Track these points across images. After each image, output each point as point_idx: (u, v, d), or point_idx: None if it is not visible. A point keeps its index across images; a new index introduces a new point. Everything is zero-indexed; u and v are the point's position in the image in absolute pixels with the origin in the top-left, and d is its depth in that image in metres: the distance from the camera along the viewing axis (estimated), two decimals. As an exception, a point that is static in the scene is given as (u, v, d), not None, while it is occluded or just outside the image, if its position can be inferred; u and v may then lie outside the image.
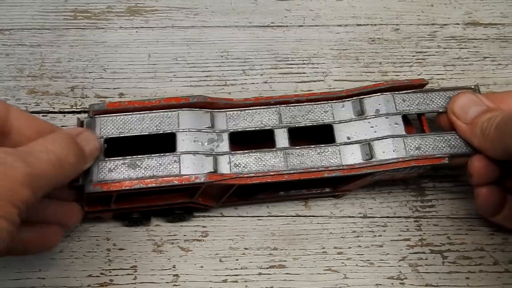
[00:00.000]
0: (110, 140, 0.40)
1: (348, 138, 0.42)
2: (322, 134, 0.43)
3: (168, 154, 0.40)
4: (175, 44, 0.54)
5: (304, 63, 0.53)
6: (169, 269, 0.44)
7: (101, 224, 0.45)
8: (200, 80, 0.52)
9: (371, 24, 0.56)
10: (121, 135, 0.40)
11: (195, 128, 0.41)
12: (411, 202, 0.47)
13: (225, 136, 0.41)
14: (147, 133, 0.41)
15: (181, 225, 0.46)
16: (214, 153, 0.41)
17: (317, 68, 0.53)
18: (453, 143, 0.42)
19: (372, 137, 0.42)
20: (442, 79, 0.52)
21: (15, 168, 0.30)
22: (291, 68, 0.53)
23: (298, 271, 0.44)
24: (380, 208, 0.47)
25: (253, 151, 0.41)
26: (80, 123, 0.41)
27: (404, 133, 0.42)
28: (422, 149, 0.42)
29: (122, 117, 0.41)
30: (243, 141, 0.43)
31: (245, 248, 0.45)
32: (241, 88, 0.52)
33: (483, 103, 0.42)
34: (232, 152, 0.41)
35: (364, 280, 0.44)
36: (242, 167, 0.40)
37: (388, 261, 0.45)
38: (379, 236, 0.46)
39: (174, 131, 0.41)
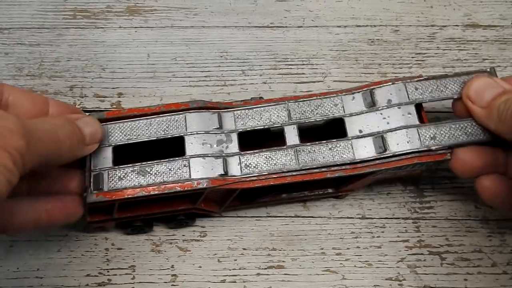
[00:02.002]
0: (118, 147, 0.40)
1: (360, 131, 0.41)
2: (332, 130, 0.42)
3: (177, 158, 0.39)
4: (174, 44, 0.54)
5: (303, 64, 0.53)
6: (168, 269, 0.44)
7: (99, 224, 0.45)
8: (199, 80, 0.52)
9: (371, 25, 0.56)
10: (129, 142, 0.40)
11: (203, 130, 0.40)
12: (410, 203, 0.47)
13: (234, 137, 0.40)
14: (155, 138, 0.40)
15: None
16: (223, 154, 0.40)
17: (316, 69, 0.53)
18: (469, 130, 0.40)
19: (385, 128, 0.41)
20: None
21: (6, 117, 0.30)
22: (291, 68, 0.53)
23: (296, 272, 0.44)
24: (378, 209, 0.47)
25: (263, 150, 0.40)
26: None
27: (417, 122, 0.41)
28: (438, 139, 0.40)
29: (129, 123, 0.40)
30: (252, 139, 0.42)
31: (244, 249, 0.45)
32: (240, 89, 0.52)
33: (500, 85, 0.40)
34: (242, 153, 0.40)
35: (363, 281, 0.44)
36: (253, 167, 0.39)
37: (386, 262, 0.45)
38: (377, 237, 0.46)
39: (182, 134, 0.40)
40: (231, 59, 0.53)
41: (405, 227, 0.46)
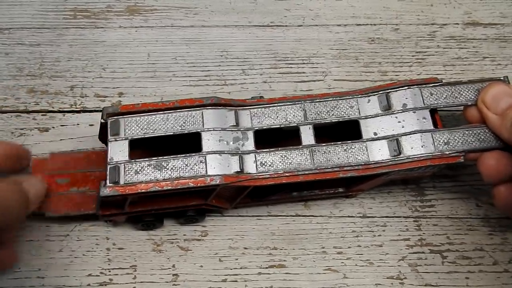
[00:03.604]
0: (134, 141, 0.40)
1: (375, 133, 0.41)
2: (347, 130, 0.43)
3: (193, 154, 0.39)
4: (175, 43, 0.54)
5: (303, 63, 0.53)
6: (169, 268, 0.44)
7: (100, 224, 0.45)
8: (199, 80, 0.52)
9: (371, 24, 0.56)
10: (145, 136, 0.40)
11: (220, 127, 0.40)
12: (411, 202, 0.47)
13: (250, 134, 0.41)
14: (171, 133, 0.40)
15: (181, 225, 0.46)
16: (239, 152, 0.40)
17: (316, 68, 0.53)
18: (482, 137, 0.41)
19: (399, 132, 0.41)
20: (442, 79, 0.52)
21: None
22: (291, 68, 0.53)
23: (297, 271, 0.44)
24: (379, 208, 0.47)
25: (279, 149, 0.40)
26: (104, 124, 0.41)
27: (432, 127, 0.41)
28: (451, 144, 0.41)
29: (146, 117, 0.40)
30: (268, 137, 0.42)
31: (245, 248, 0.45)
32: (241, 88, 0.52)
33: None
34: (258, 151, 0.40)
35: (364, 280, 0.44)
36: (268, 165, 0.40)
37: (387, 261, 0.45)
38: (378, 236, 0.46)
39: (199, 130, 0.40)
40: (231, 58, 0.53)
41: (406, 226, 0.46)
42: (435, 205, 0.47)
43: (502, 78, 0.43)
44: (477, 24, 0.56)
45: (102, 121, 0.41)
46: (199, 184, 0.38)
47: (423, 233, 0.46)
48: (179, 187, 0.38)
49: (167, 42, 0.54)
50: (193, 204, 0.42)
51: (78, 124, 0.50)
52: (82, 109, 0.50)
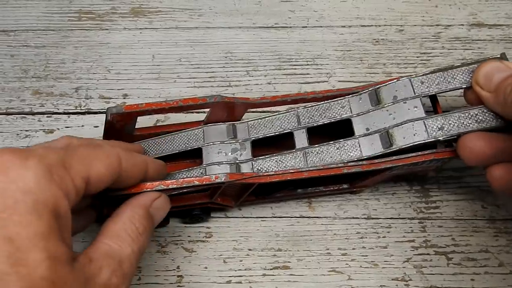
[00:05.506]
0: None
1: (367, 129, 0.42)
2: (344, 128, 0.43)
3: (195, 167, 0.42)
4: (179, 45, 0.54)
5: (308, 64, 0.53)
6: (173, 270, 0.44)
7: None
8: (204, 81, 0.52)
9: (375, 25, 0.56)
10: (156, 156, 0.43)
11: (219, 141, 0.43)
12: (416, 203, 0.47)
13: (248, 145, 0.43)
14: (177, 151, 0.43)
15: (185, 226, 0.46)
16: (237, 161, 0.42)
17: (321, 69, 0.53)
18: (480, 117, 0.39)
19: (391, 124, 0.41)
20: (447, 80, 0.52)
21: None
22: (295, 69, 0.53)
23: (302, 272, 0.44)
24: (384, 209, 0.47)
25: (274, 154, 0.42)
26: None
27: (423, 115, 0.40)
28: (446, 129, 0.40)
29: (156, 140, 0.44)
30: (265, 142, 0.44)
31: (249, 249, 0.45)
32: (245, 89, 0.52)
33: (509, 69, 0.39)
34: (254, 159, 0.42)
35: (369, 282, 0.44)
36: (264, 171, 0.41)
37: (392, 263, 0.45)
38: (383, 237, 0.46)
39: (200, 146, 0.43)
40: (236, 60, 0.53)
41: (411, 227, 0.46)
42: (440, 206, 0.47)
43: (499, 56, 0.42)
44: (482, 25, 0.55)
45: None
46: (204, 182, 0.39)
47: (428, 235, 0.46)
48: (184, 185, 0.38)
49: (172, 43, 0.54)
50: (198, 203, 0.43)
51: (82, 126, 0.50)
52: (86, 110, 0.50)
